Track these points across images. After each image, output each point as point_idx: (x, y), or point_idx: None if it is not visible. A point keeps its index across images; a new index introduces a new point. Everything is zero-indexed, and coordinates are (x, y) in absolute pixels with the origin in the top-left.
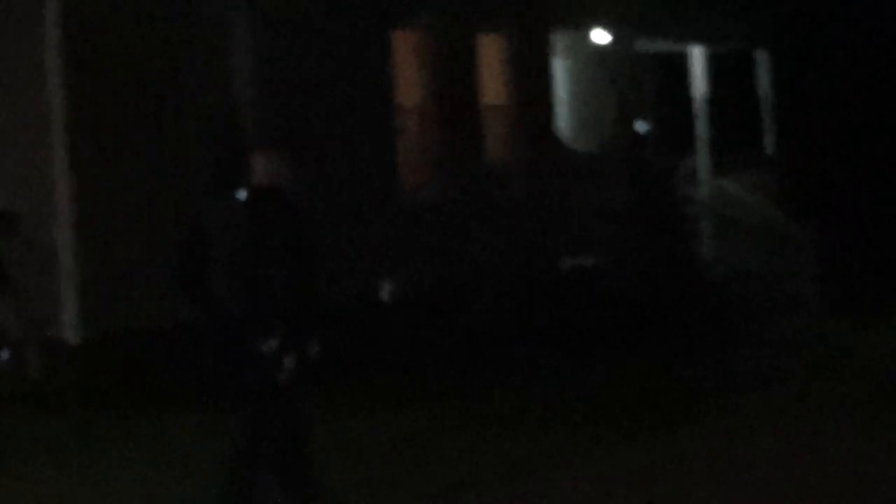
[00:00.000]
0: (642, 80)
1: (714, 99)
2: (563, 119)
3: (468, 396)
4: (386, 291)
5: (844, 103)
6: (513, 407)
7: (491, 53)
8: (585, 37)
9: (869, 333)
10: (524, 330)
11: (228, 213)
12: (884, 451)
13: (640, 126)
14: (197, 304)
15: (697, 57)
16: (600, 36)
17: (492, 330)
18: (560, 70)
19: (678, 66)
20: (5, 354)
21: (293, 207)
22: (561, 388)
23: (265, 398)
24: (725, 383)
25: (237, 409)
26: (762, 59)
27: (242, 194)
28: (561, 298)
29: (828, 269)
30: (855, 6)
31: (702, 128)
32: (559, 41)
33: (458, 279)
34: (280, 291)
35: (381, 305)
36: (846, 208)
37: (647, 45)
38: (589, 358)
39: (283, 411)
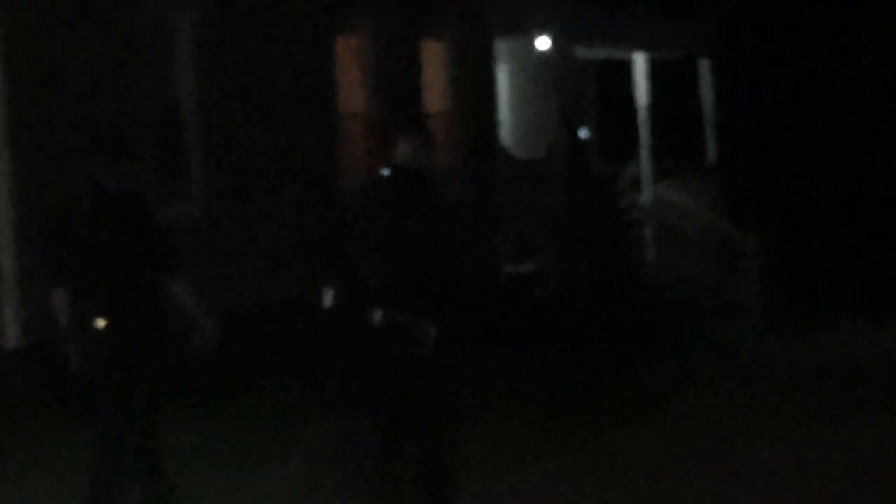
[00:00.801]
0: (584, 87)
1: (656, 106)
2: (505, 126)
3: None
4: (325, 296)
5: (786, 111)
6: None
7: (433, 60)
8: (528, 43)
9: (807, 340)
10: (463, 335)
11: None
12: (816, 457)
13: (583, 133)
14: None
15: (640, 64)
16: (542, 42)
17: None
18: (502, 77)
19: (621, 73)
20: None
21: (432, 188)
22: (497, 393)
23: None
24: (664, 389)
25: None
26: (704, 66)
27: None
28: (501, 304)
29: (768, 276)
30: (797, 15)
31: (644, 135)
32: (501, 48)
33: (398, 285)
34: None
35: (321, 310)
36: (787, 215)
37: (590, 52)
38: (528, 364)
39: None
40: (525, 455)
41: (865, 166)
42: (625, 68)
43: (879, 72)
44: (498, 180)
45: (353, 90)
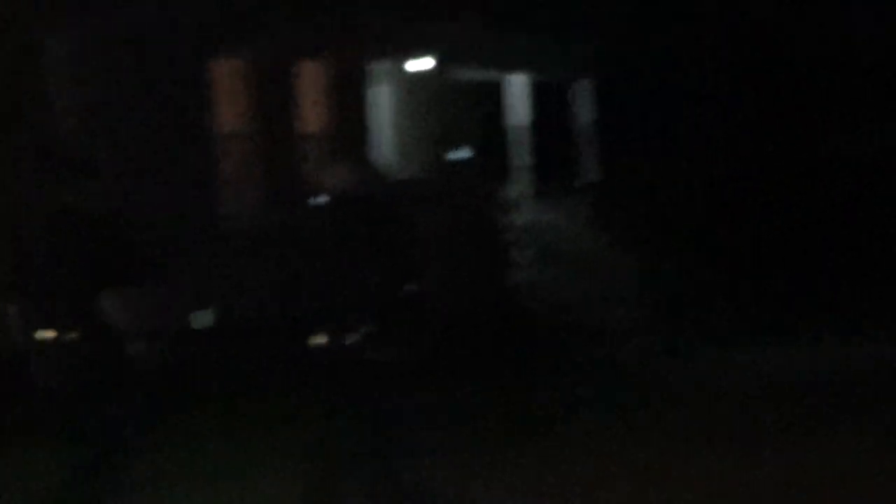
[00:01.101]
0: (461, 108)
1: (534, 126)
2: (382, 147)
3: (300, 425)
4: (204, 319)
5: (663, 131)
6: (341, 433)
7: (309, 81)
8: (404, 65)
9: (687, 361)
10: (342, 360)
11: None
12: (700, 478)
13: (460, 153)
14: None
15: (517, 85)
16: (418, 64)
17: (312, 359)
18: (378, 98)
19: (498, 94)
20: None
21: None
22: (384, 416)
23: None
24: (549, 411)
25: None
26: (582, 87)
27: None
28: (380, 327)
29: (646, 297)
30: (675, 37)
31: (521, 155)
32: (377, 69)
33: (277, 309)
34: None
35: (197, 333)
36: (666, 235)
37: (466, 73)
38: (411, 385)
39: None
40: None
41: (743, 184)
42: (502, 89)
43: (755, 92)
44: (375, 202)
45: (231, 113)
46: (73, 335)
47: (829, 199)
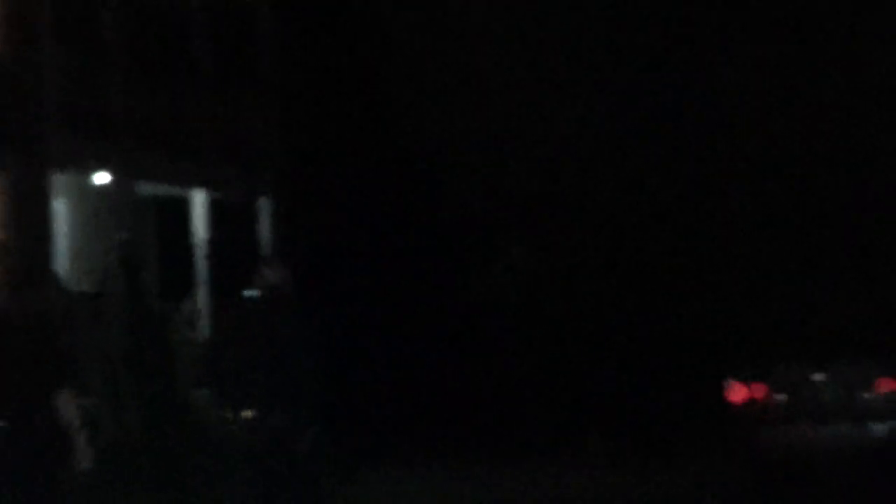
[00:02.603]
0: (145, 223)
1: (215, 242)
2: (63, 259)
3: None
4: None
5: (339, 248)
6: None
7: None
8: (88, 178)
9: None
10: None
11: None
12: None
13: (140, 268)
14: None
15: (199, 201)
16: (103, 177)
17: None
18: (61, 210)
19: (182, 210)
20: None
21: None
22: None
23: None
24: None
25: None
26: (263, 204)
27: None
28: (52, 447)
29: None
30: (354, 162)
31: (202, 271)
32: (61, 181)
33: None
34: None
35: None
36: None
37: (150, 188)
38: None
39: None
40: None
41: (435, 303)
42: (185, 205)
43: (439, 216)
44: (53, 314)
45: None
46: None
47: None
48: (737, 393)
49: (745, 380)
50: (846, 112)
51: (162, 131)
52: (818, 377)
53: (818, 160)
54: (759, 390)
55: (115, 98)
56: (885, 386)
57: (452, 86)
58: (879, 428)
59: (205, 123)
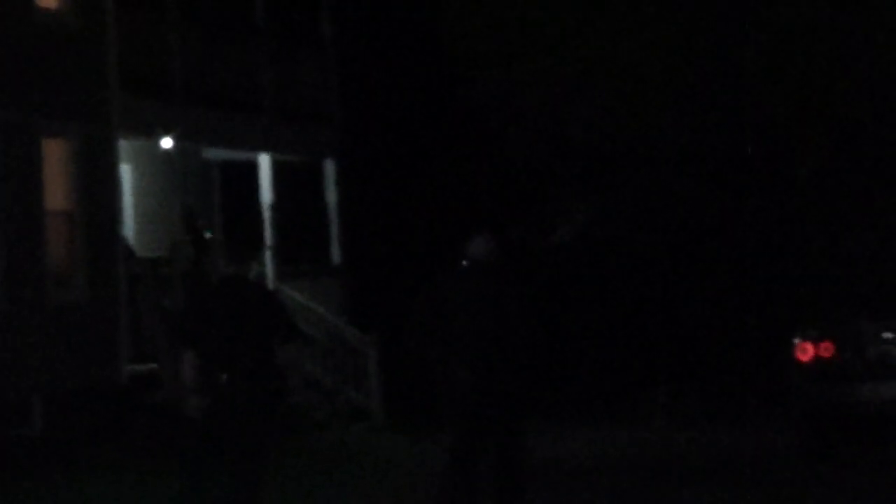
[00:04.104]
0: (209, 187)
1: (280, 207)
2: (130, 224)
3: None
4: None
5: (403, 214)
6: None
7: (56, 158)
8: (153, 143)
9: (423, 446)
10: (83, 443)
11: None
12: None
13: (207, 232)
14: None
15: (264, 165)
16: (166, 142)
17: (47, 439)
18: (126, 175)
19: (246, 174)
20: None
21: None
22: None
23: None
24: (294, 493)
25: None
26: (328, 168)
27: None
28: (126, 406)
29: (388, 380)
30: (415, 122)
31: (268, 235)
32: (125, 147)
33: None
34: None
35: None
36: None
37: (214, 153)
38: (150, 469)
39: None
40: None
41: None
42: (250, 169)
43: (491, 180)
44: (122, 279)
45: None
46: None
47: None
48: (805, 352)
49: (814, 339)
50: None
51: (227, 95)
52: (887, 335)
53: (887, 124)
54: (828, 349)
55: (180, 62)
56: None
57: (519, 46)
58: None
59: (270, 86)
